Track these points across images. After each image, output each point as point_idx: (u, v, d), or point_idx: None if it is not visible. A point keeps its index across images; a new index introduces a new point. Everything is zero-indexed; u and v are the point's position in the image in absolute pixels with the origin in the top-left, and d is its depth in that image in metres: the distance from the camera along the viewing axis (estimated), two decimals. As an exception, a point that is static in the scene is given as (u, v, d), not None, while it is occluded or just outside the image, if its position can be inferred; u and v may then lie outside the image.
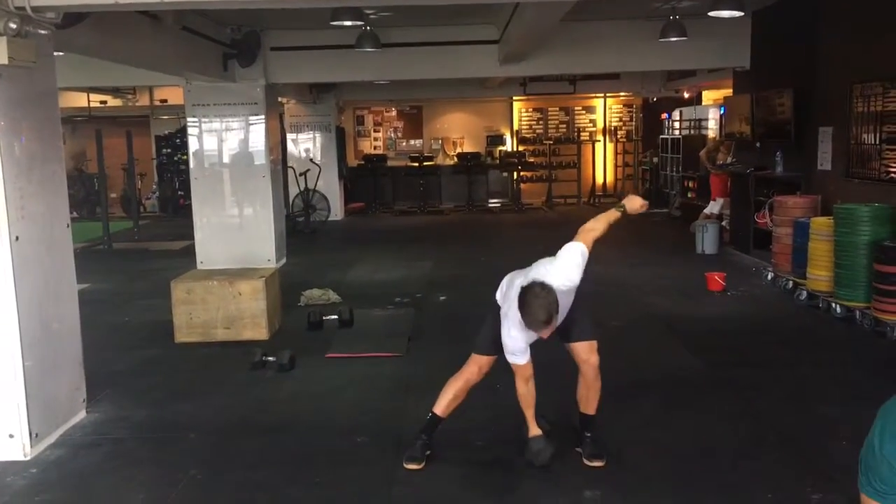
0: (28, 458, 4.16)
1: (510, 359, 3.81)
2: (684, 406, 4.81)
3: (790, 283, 7.57)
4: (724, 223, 10.68)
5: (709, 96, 14.27)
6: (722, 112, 12.16)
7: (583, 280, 3.83)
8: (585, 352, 3.95)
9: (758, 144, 9.63)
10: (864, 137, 7.30)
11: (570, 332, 3.92)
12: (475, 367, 4.02)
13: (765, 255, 8.54)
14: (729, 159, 11.12)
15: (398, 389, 5.17)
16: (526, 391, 3.87)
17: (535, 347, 3.85)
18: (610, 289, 8.23)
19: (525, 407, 3.91)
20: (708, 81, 12.60)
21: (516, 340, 3.75)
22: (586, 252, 3.82)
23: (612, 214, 3.95)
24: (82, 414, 4.75)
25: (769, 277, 8.08)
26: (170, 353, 6.21)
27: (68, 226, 4.70)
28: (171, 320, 6.43)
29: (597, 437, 4.04)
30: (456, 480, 3.89)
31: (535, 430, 3.92)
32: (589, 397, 4.01)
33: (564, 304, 3.74)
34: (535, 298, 3.55)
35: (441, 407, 4.04)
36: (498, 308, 3.93)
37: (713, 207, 11.16)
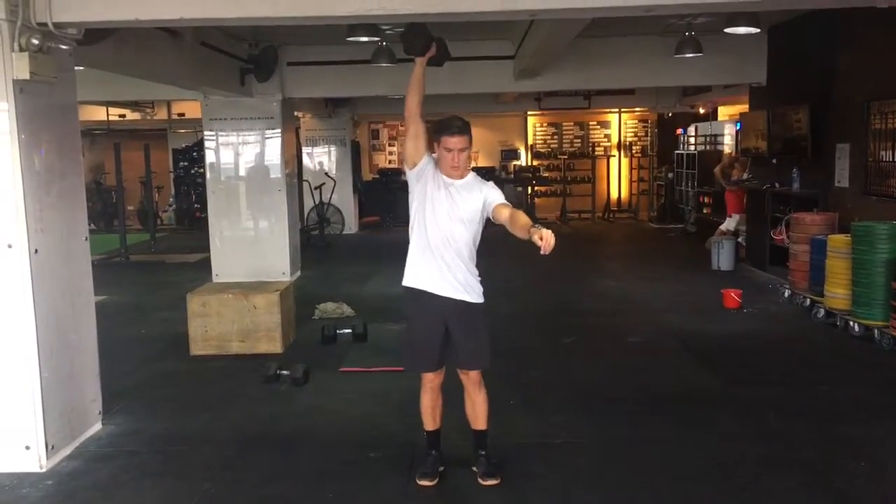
0: (44, 469, 4.18)
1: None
2: (699, 424, 4.77)
3: (807, 301, 7.51)
4: (739, 239, 10.64)
5: (724, 112, 14.23)
6: (738, 128, 12.12)
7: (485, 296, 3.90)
8: (471, 375, 3.92)
9: (774, 161, 9.58)
10: (881, 154, 7.25)
11: (464, 358, 3.88)
12: (430, 377, 3.96)
13: (781, 273, 8.48)
14: (745, 175, 11.07)
15: (412, 404, 5.11)
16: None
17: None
18: (625, 305, 8.22)
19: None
20: (724, 97, 12.57)
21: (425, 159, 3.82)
22: (499, 206, 3.77)
23: (526, 223, 3.57)
24: (98, 426, 4.78)
25: (786, 295, 8.02)
26: (185, 365, 6.24)
27: (86, 238, 4.75)
28: (186, 333, 6.47)
29: (490, 455, 4.00)
30: (468, 497, 3.87)
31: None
32: (477, 413, 3.98)
33: (466, 218, 3.78)
34: (451, 116, 3.79)
35: (428, 423, 4.04)
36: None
37: (729, 224, 11.09)
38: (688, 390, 5.42)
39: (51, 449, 4.24)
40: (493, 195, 3.80)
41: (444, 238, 3.78)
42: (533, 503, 3.78)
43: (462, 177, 3.83)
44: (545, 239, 3.31)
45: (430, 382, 3.96)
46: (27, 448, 4.17)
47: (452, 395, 4.07)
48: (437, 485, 3.94)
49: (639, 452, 4.34)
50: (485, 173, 16.27)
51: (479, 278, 3.90)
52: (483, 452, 4.00)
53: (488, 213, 3.81)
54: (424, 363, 3.93)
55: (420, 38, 3.82)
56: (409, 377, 5.71)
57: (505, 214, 3.70)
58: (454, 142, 3.73)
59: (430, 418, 4.02)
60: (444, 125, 3.75)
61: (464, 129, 3.73)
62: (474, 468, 4.00)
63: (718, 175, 11.68)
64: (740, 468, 4.14)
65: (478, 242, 3.89)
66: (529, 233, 3.42)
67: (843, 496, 3.78)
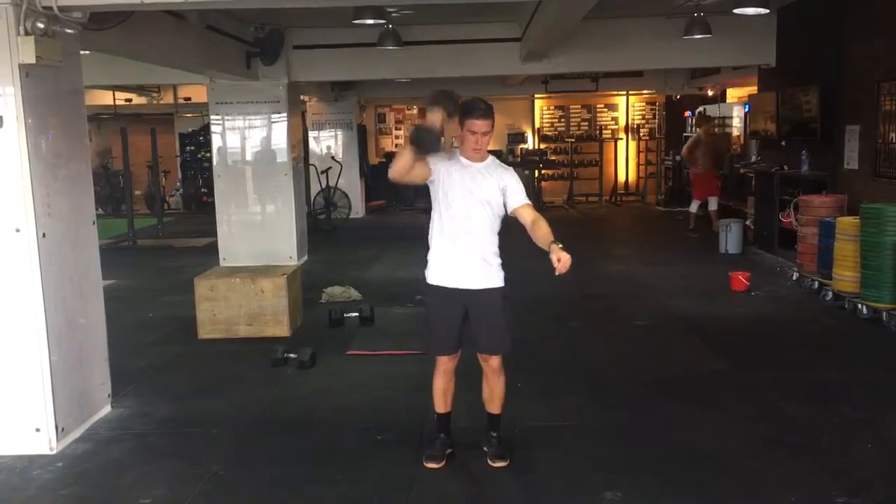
0: (54, 451, 4.22)
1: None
2: (707, 407, 4.78)
3: (815, 284, 7.48)
4: (691, 227, 11.09)
5: (733, 94, 14.12)
6: (746, 110, 12.04)
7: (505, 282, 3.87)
8: (490, 360, 3.92)
9: (783, 143, 9.52)
10: (891, 136, 7.19)
11: (483, 342, 3.88)
12: (445, 360, 3.96)
13: (790, 255, 8.45)
14: (742, 160, 11.12)
15: (419, 387, 5.15)
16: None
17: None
18: (633, 288, 8.21)
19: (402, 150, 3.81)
20: (732, 79, 12.47)
21: (439, 155, 3.79)
22: (522, 208, 3.79)
23: (547, 235, 3.65)
24: (107, 409, 4.81)
25: (794, 278, 7.99)
26: (193, 349, 6.26)
27: (94, 223, 4.76)
28: (194, 317, 6.49)
29: (502, 438, 4.02)
30: (476, 479, 3.89)
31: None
32: (493, 398, 4.00)
33: (486, 202, 3.76)
34: (475, 98, 3.80)
35: (439, 406, 4.05)
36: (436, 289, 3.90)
37: (693, 207, 11.47)
38: (695, 373, 5.42)
39: (61, 431, 4.27)
40: (514, 189, 3.81)
41: (465, 219, 3.77)
42: (539, 485, 3.79)
43: (482, 160, 3.84)
44: (562, 262, 3.45)
45: (445, 365, 3.96)
46: (37, 430, 4.20)
47: (462, 379, 4.08)
48: (445, 467, 3.95)
49: (645, 435, 4.35)
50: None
51: (500, 261, 3.88)
52: (495, 434, 4.02)
53: (507, 208, 3.80)
54: (442, 346, 3.92)
55: (433, 137, 3.73)
56: (416, 360, 5.73)
57: (527, 220, 3.75)
58: (479, 125, 3.74)
59: (442, 401, 4.03)
60: (469, 108, 3.75)
61: (488, 113, 3.75)
62: (485, 448, 4.02)
63: (687, 157, 11.66)
64: (747, 450, 4.14)
65: (498, 227, 3.88)
66: (549, 248, 3.54)
67: (850, 478, 3.78)
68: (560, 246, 3.50)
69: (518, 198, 3.79)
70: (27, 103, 4.05)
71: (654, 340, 6.29)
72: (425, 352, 4.06)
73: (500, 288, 3.87)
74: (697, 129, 11.91)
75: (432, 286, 3.87)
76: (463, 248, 3.79)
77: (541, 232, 3.65)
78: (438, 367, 3.98)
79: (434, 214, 3.89)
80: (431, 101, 3.69)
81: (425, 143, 3.69)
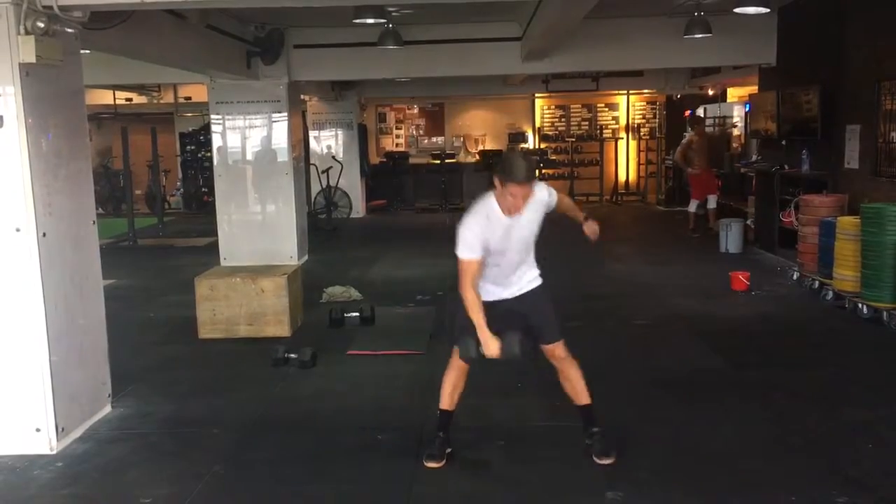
0: (54, 451, 4.22)
1: (459, 252, 3.75)
2: (707, 406, 4.78)
3: (816, 283, 7.48)
4: (691, 227, 11.13)
5: (734, 93, 14.12)
6: (747, 109, 12.03)
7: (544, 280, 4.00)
8: (550, 349, 3.97)
9: (783, 142, 9.51)
10: (892, 136, 7.19)
11: (542, 334, 3.95)
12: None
13: (790, 255, 8.44)
14: (747, 160, 11.13)
15: (419, 387, 5.17)
16: (472, 295, 3.73)
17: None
18: (633, 287, 8.21)
19: (474, 314, 3.72)
20: (733, 78, 12.46)
21: (473, 233, 3.73)
22: (555, 197, 3.99)
23: (578, 212, 4.20)
24: (108, 409, 4.81)
25: (794, 277, 7.99)
26: (193, 349, 6.26)
27: (94, 222, 4.76)
28: (194, 316, 6.49)
29: (604, 432, 4.02)
30: (476, 479, 3.89)
31: (488, 339, 3.69)
32: (576, 389, 4.02)
33: (527, 237, 3.84)
34: (517, 156, 3.90)
35: (445, 402, 4.05)
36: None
37: (692, 207, 11.45)
38: (695, 372, 5.42)
39: (61, 431, 4.27)
40: (549, 199, 3.92)
41: (512, 262, 3.87)
42: (540, 485, 3.79)
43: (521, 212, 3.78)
44: (595, 231, 4.12)
45: (456, 360, 3.97)
46: (37, 430, 4.20)
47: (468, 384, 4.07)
48: (445, 466, 3.95)
49: (646, 434, 4.34)
50: (492, 156, 16.33)
51: (535, 262, 4.00)
52: (596, 429, 4.00)
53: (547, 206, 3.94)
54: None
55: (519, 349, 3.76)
56: (416, 360, 5.74)
57: (564, 206, 4.12)
58: (520, 190, 3.65)
59: (449, 397, 4.03)
60: (510, 169, 3.61)
61: (530, 177, 3.63)
62: (587, 441, 4.00)
63: (680, 160, 11.67)
64: (747, 449, 4.14)
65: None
66: (585, 222, 4.12)
67: (850, 477, 3.77)
68: (590, 219, 4.12)
69: (552, 199, 3.96)
70: (27, 103, 4.05)
71: (655, 340, 6.29)
72: (456, 345, 3.97)
73: (540, 284, 3.99)
74: (690, 131, 11.92)
75: (487, 302, 3.87)
76: (508, 277, 3.91)
77: (574, 213, 4.15)
78: (453, 363, 4.00)
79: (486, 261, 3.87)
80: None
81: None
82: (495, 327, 3.75)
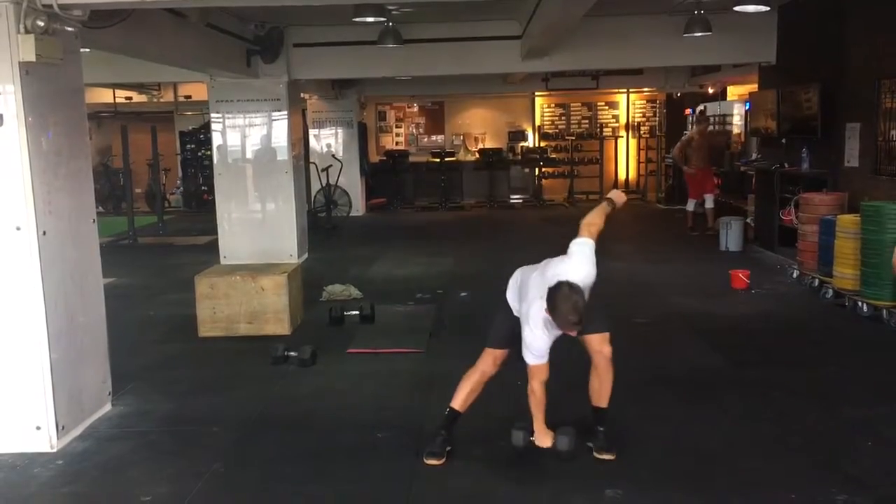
0: (54, 449, 4.22)
1: (529, 359, 3.81)
2: (706, 404, 4.78)
3: (816, 282, 7.48)
4: (689, 226, 11.11)
5: (734, 91, 14.12)
6: (747, 108, 12.03)
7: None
8: (598, 342, 3.96)
9: (783, 140, 9.51)
10: (892, 134, 7.19)
11: (592, 323, 3.90)
12: (489, 359, 4.05)
13: (790, 253, 8.45)
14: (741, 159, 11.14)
15: (419, 385, 5.18)
16: (540, 393, 3.87)
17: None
18: (633, 286, 8.20)
19: (536, 409, 3.89)
20: (733, 77, 12.46)
21: (540, 340, 3.75)
22: (594, 245, 3.89)
23: (605, 208, 4.06)
24: (108, 407, 4.82)
25: (794, 275, 7.99)
26: (193, 347, 6.27)
27: (94, 221, 4.76)
28: (194, 315, 6.49)
29: (608, 432, 4.04)
30: (476, 477, 3.89)
31: (543, 432, 3.89)
32: (601, 390, 4.03)
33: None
34: (566, 300, 3.56)
35: (458, 401, 4.06)
36: (507, 304, 3.98)
37: (689, 206, 11.45)
38: (695, 371, 5.42)
39: (61, 429, 4.27)
40: (594, 272, 3.84)
41: None
42: (539, 483, 3.79)
43: None
44: (623, 199, 4.15)
45: (484, 363, 4.03)
46: (38, 428, 4.21)
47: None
48: (445, 464, 3.96)
49: (645, 432, 4.35)
50: (491, 154, 16.33)
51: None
52: (602, 428, 4.04)
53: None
54: (492, 338, 4.03)
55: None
56: (417, 359, 5.75)
57: (595, 232, 3.93)
58: (571, 333, 3.73)
59: (464, 398, 4.06)
60: (563, 315, 3.57)
61: (580, 321, 3.60)
62: (589, 444, 4.02)
63: (678, 157, 11.66)
64: (747, 448, 4.14)
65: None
66: (613, 202, 4.08)
67: (850, 476, 3.78)
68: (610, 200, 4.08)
69: (593, 262, 3.89)
70: (27, 101, 4.05)
71: (655, 338, 6.29)
72: (486, 342, 4.07)
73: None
74: (693, 128, 11.92)
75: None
76: None
77: (601, 218, 4.03)
78: (479, 365, 4.04)
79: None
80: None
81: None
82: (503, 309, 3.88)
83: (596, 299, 3.89)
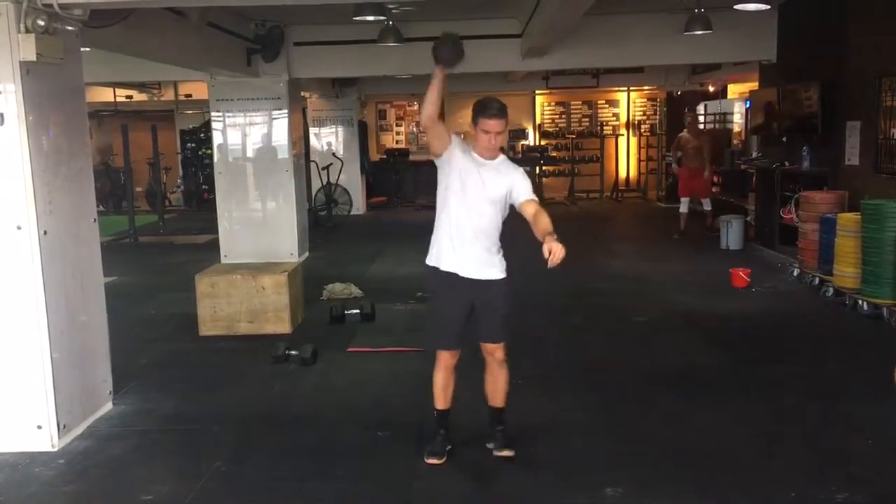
0: (56, 448, 4.23)
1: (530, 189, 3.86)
2: (707, 402, 4.78)
3: (816, 280, 7.48)
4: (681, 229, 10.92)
5: (734, 90, 14.12)
6: (747, 106, 12.02)
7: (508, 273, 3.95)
8: (492, 347, 3.99)
9: (784, 139, 9.51)
10: (892, 132, 7.19)
11: (488, 331, 3.95)
12: (447, 355, 3.99)
13: (790, 252, 8.45)
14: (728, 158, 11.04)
15: (419, 384, 5.15)
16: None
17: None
18: (633, 284, 8.22)
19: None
20: (733, 75, 12.46)
21: (454, 134, 3.88)
22: (528, 185, 3.87)
23: (545, 227, 3.60)
24: (109, 406, 4.82)
25: (795, 274, 7.99)
26: (194, 346, 6.27)
27: (95, 220, 4.76)
28: (195, 314, 6.50)
29: (507, 430, 4.07)
30: (476, 475, 3.90)
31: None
32: (496, 391, 4.06)
33: (492, 198, 3.81)
34: (489, 98, 3.84)
35: (439, 401, 4.08)
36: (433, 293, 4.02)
37: (683, 207, 11.28)
38: (695, 369, 5.43)
39: (62, 428, 4.28)
40: (521, 186, 3.85)
41: (472, 216, 3.82)
42: (539, 481, 3.80)
43: (494, 158, 3.87)
44: (554, 253, 3.40)
45: (446, 361, 3.99)
46: (39, 427, 4.21)
47: (459, 378, 4.08)
48: (445, 463, 3.96)
49: (645, 431, 4.35)
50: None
51: (501, 254, 3.95)
52: (501, 427, 4.06)
53: (513, 203, 3.85)
54: (446, 341, 3.97)
55: (455, 48, 3.77)
56: (417, 357, 5.74)
57: (530, 213, 3.77)
58: (492, 124, 3.78)
59: (442, 397, 4.05)
60: (483, 107, 3.80)
61: (502, 113, 3.79)
62: (489, 445, 4.04)
63: (673, 154, 11.60)
64: (747, 446, 4.15)
65: (502, 223, 3.92)
66: (544, 240, 3.49)
67: (850, 474, 3.78)
68: (555, 238, 3.45)
69: (523, 193, 3.83)
70: (28, 100, 4.05)
71: (655, 336, 6.29)
72: (427, 347, 4.07)
73: (503, 279, 3.94)
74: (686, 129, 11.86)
75: (441, 272, 3.89)
76: (470, 241, 3.84)
77: (540, 225, 3.64)
78: (439, 363, 4.01)
79: (444, 200, 3.89)
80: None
81: (447, 52, 3.78)
82: (443, 298, 3.88)
83: (504, 305, 3.90)
